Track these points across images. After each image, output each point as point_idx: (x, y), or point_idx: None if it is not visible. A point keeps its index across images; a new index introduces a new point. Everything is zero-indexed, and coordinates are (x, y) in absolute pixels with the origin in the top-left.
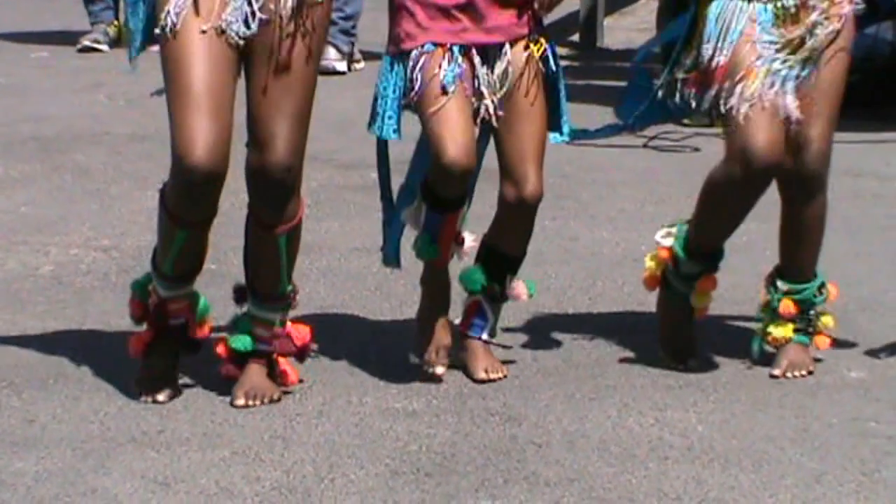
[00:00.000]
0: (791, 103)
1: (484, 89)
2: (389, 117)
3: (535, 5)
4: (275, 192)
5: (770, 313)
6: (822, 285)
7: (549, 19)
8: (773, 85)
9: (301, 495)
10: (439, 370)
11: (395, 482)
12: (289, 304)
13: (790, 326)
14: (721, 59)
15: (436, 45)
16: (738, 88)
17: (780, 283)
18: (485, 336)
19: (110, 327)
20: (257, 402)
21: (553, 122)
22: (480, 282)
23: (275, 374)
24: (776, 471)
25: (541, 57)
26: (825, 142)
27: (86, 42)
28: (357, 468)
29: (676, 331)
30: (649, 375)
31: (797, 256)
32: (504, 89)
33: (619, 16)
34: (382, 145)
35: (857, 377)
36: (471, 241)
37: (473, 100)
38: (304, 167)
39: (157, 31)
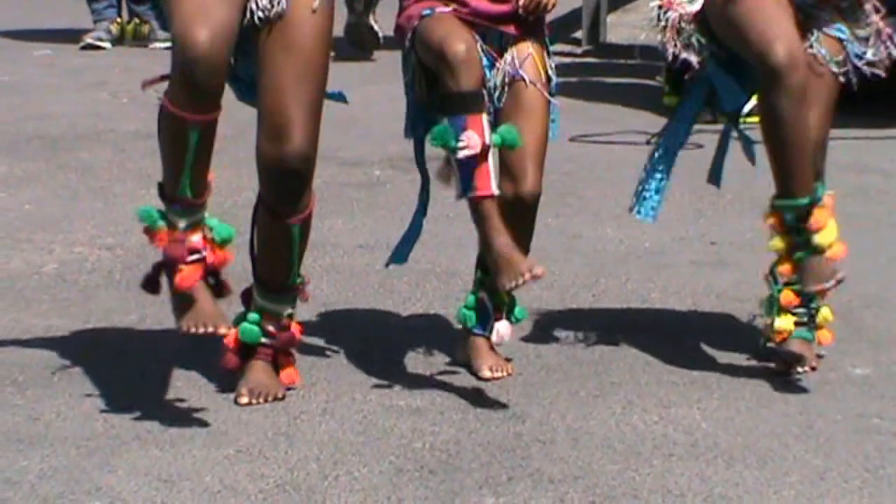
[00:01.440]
0: None
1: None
2: (411, 116)
3: (520, 10)
4: (292, 183)
5: (772, 307)
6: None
7: (552, 16)
8: None
9: (305, 493)
10: (538, 270)
11: (399, 479)
12: (296, 296)
13: (792, 318)
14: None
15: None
16: None
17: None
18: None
19: (114, 325)
20: (261, 400)
21: None
22: (472, 318)
23: (276, 371)
24: (780, 467)
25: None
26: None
27: (88, 40)
28: (361, 466)
29: None
30: (653, 372)
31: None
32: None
33: (622, 12)
34: (418, 146)
35: (861, 374)
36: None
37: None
38: None
39: None
